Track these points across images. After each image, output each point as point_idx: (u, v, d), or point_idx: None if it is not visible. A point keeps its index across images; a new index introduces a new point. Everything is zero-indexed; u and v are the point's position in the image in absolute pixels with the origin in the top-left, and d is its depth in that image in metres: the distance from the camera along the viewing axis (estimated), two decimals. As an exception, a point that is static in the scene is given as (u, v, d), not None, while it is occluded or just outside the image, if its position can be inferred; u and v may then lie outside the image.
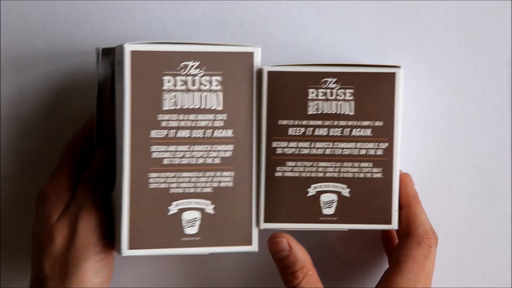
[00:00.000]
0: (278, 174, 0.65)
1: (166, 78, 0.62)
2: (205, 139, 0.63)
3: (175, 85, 0.62)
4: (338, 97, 0.64)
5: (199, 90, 0.62)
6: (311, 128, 0.65)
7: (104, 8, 0.69)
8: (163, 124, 0.62)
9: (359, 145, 0.65)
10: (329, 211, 0.65)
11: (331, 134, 0.65)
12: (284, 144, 0.65)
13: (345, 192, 0.65)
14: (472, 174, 0.72)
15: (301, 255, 0.64)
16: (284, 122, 0.64)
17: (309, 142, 0.65)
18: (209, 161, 0.63)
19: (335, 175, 0.65)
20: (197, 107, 0.62)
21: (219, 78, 0.62)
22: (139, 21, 0.69)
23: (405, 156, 0.71)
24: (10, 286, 0.71)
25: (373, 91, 0.64)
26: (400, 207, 0.66)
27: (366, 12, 0.71)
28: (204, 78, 0.62)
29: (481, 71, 0.71)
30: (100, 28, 0.69)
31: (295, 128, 0.64)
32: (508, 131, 0.72)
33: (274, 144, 0.65)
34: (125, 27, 0.69)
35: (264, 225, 0.65)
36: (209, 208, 0.63)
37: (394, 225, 0.65)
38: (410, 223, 0.66)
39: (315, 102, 0.64)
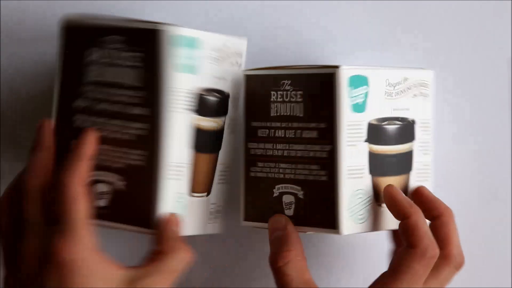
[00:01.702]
0: (252, 174, 0.67)
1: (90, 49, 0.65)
2: (121, 114, 0.64)
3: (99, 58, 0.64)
4: (291, 99, 0.64)
5: (118, 65, 0.64)
6: (273, 130, 0.65)
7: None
8: (85, 95, 0.65)
9: (308, 147, 0.63)
10: (289, 212, 0.65)
11: (287, 135, 0.65)
12: (255, 145, 0.67)
13: (300, 194, 0.64)
14: (472, 174, 0.70)
15: (294, 238, 0.64)
16: (255, 123, 0.67)
17: (272, 144, 0.66)
18: (125, 137, 0.64)
19: (292, 176, 0.64)
20: (115, 81, 0.64)
21: (140, 54, 0.63)
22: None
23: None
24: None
25: (317, 92, 0.63)
26: (399, 219, 0.63)
27: (363, 12, 0.69)
28: (126, 53, 0.64)
29: (481, 71, 0.68)
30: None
31: (262, 130, 0.66)
32: (508, 131, 0.68)
33: (249, 144, 0.67)
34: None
35: (244, 223, 0.68)
36: (121, 184, 0.64)
37: (341, 230, 0.62)
38: (411, 235, 0.62)
39: (275, 104, 0.65)
